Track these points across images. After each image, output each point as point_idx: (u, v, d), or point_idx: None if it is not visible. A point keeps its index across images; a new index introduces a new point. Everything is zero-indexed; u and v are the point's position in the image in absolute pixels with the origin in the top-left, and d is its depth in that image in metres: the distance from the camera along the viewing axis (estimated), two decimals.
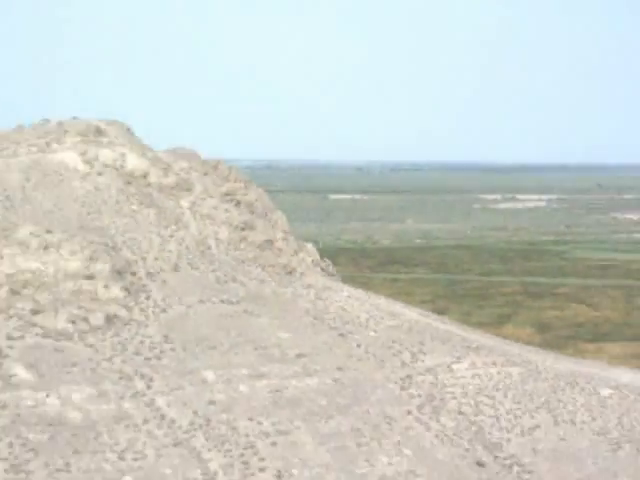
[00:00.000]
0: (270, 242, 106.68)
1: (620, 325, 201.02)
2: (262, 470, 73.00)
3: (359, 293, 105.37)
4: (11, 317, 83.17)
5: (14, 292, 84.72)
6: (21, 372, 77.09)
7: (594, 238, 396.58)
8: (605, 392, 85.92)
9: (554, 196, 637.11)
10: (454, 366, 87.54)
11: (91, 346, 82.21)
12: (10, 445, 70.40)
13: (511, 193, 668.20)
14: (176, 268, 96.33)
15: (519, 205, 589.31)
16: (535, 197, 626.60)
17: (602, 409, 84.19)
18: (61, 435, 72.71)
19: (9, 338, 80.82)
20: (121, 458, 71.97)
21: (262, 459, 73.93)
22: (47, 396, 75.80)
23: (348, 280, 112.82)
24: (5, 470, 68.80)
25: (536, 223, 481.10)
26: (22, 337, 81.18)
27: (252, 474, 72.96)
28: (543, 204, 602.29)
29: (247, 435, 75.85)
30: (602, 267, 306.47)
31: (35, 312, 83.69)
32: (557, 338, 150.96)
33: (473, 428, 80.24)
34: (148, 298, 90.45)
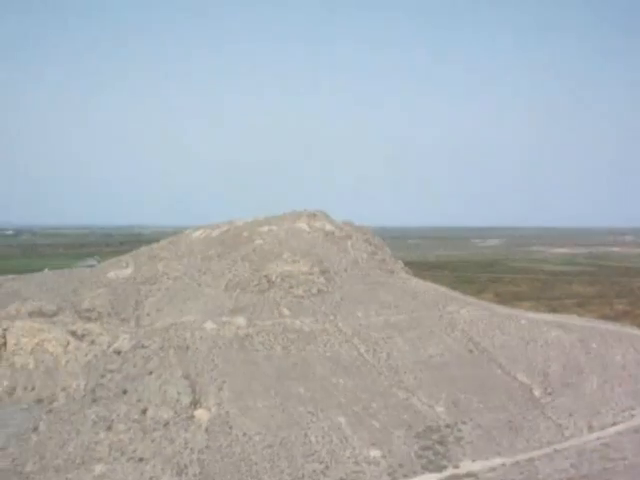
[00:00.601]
0: (383, 259, 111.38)
1: (529, 294, 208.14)
2: (380, 348, 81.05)
3: (420, 281, 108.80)
4: (281, 289, 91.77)
5: (282, 279, 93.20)
6: (285, 311, 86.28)
7: (519, 257, 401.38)
8: (522, 321, 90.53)
9: (502, 240, 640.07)
10: (460, 311, 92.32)
11: (312, 301, 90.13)
12: (282, 338, 78.76)
13: (484, 238, 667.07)
14: (346, 270, 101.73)
15: (488, 244, 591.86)
16: (494, 240, 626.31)
17: (522, 328, 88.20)
18: (300, 337, 79.30)
19: (281, 297, 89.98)
20: (325, 347, 78.77)
21: (377, 344, 79.90)
22: (296, 318, 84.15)
23: (416, 275, 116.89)
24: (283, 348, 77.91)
25: (493, 251, 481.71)
26: (286, 296, 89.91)
27: (378, 350, 79.79)
28: (497, 243, 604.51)
29: (374, 337, 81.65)
30: (521, 269, 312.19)
31: (290, 287, 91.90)
32: (503, 300, 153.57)
33: (467, 335, 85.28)
34: (334, 282, 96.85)
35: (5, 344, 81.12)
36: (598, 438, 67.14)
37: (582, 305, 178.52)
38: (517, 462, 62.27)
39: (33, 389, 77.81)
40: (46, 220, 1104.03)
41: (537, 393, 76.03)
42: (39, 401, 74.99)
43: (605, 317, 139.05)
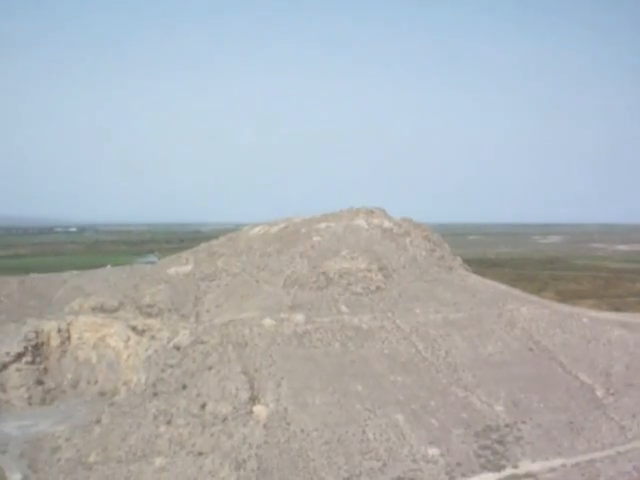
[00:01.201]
0: (442, 256, 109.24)
1: (591, 292, 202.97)
2: (438, 345, 79.25)
3: (479, 278, 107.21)
4: (339, 286, 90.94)
5: (340, 276, 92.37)
6: (343, 308, 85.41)
7: (580, 255, 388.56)
8: (584, 320, 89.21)
9: (563, 236, 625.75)
10: (520, 309, 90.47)
11: (370, 298, 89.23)
12: (340, 335, 78.04)
13: (545, 235, 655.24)
14: (404, 267, 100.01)
15: (549, 240, 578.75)
16: (555, 237, 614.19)
17: (583, 326, 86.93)
18: (358, 334, 78.50)
19: (339, 294, 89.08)
20: (383, 344, 78.04)
21: (436, 342, 79.18)
22: (354, 315, 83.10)
23: (476, 272, 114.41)
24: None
25: (554, 248, 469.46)
26: (344, 293, 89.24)
27: (437, 348, 79.21)
28: (558, 239, 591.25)
29: (433, 335, 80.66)
30: (583, 266, 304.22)
31: (348, 284, 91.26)
32: (565, 298, 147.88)
33: (527, 333, 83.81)
34: (392, 279, 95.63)
35: (69, 338, 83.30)
36: None
37: None
38: (578, 463, 61.31)
39: (96, 382, 80.00)
40: (108, 218, 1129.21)
41: (599, 393, 74.47)
42: (102, 394, 77.14)
43: None
